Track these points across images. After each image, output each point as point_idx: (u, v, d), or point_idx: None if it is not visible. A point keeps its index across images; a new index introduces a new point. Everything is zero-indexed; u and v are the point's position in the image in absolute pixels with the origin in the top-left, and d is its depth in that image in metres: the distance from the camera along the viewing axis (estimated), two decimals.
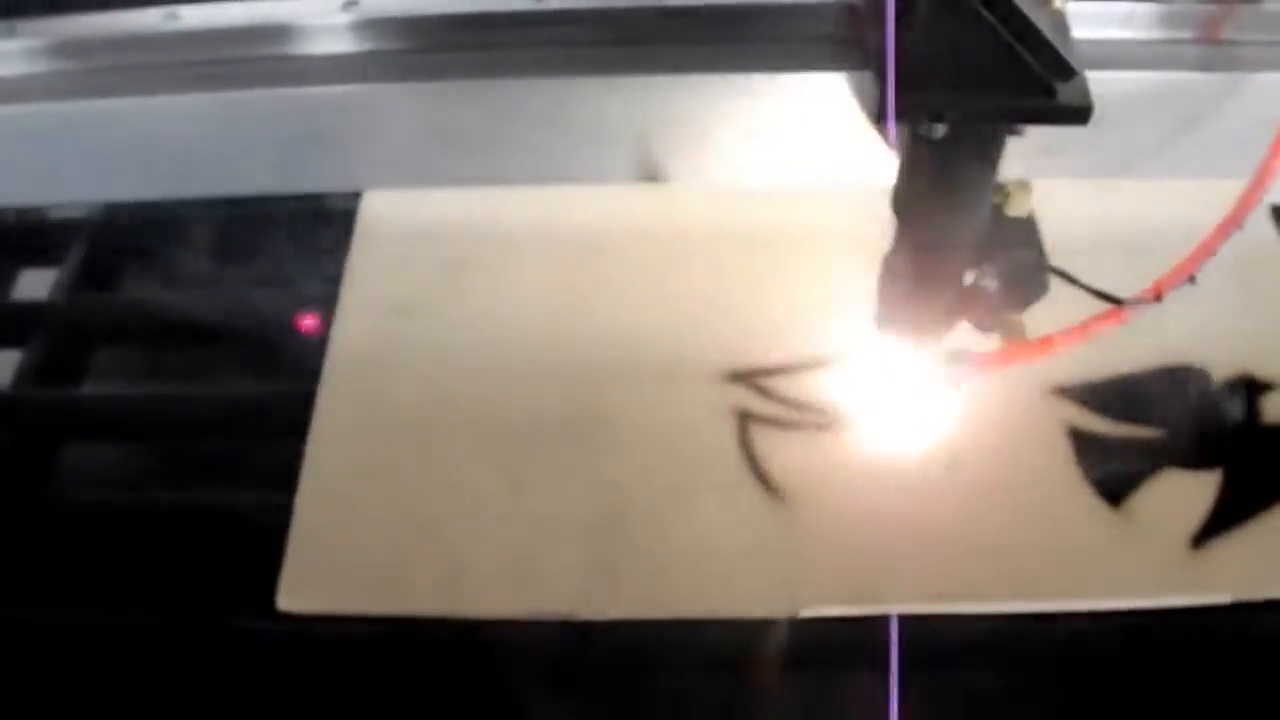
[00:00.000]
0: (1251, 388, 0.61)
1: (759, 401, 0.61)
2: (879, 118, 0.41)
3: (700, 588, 0.55)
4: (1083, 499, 0.58)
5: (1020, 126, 0.41)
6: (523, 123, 0.51)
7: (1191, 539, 0.57)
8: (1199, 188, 0.55)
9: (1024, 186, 0.46)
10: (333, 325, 0.63)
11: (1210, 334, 0.62)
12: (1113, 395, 0.61)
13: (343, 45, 0.50)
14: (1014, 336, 0.49)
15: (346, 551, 0.56)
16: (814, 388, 0.61)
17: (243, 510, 0.57)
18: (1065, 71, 0.39)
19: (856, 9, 0.45)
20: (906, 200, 0.46)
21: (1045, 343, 0.49)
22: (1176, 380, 0.62)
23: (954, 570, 0.56)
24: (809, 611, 0.55)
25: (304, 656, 0.53)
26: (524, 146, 0.52)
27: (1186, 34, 0.52)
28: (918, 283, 0.49)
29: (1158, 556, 0.56)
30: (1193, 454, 0.59)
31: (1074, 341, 0.49)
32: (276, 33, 0.51)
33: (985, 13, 0.37)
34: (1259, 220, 0.66)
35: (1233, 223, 0.46)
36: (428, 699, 0.53)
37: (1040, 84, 0.39)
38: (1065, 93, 0.40)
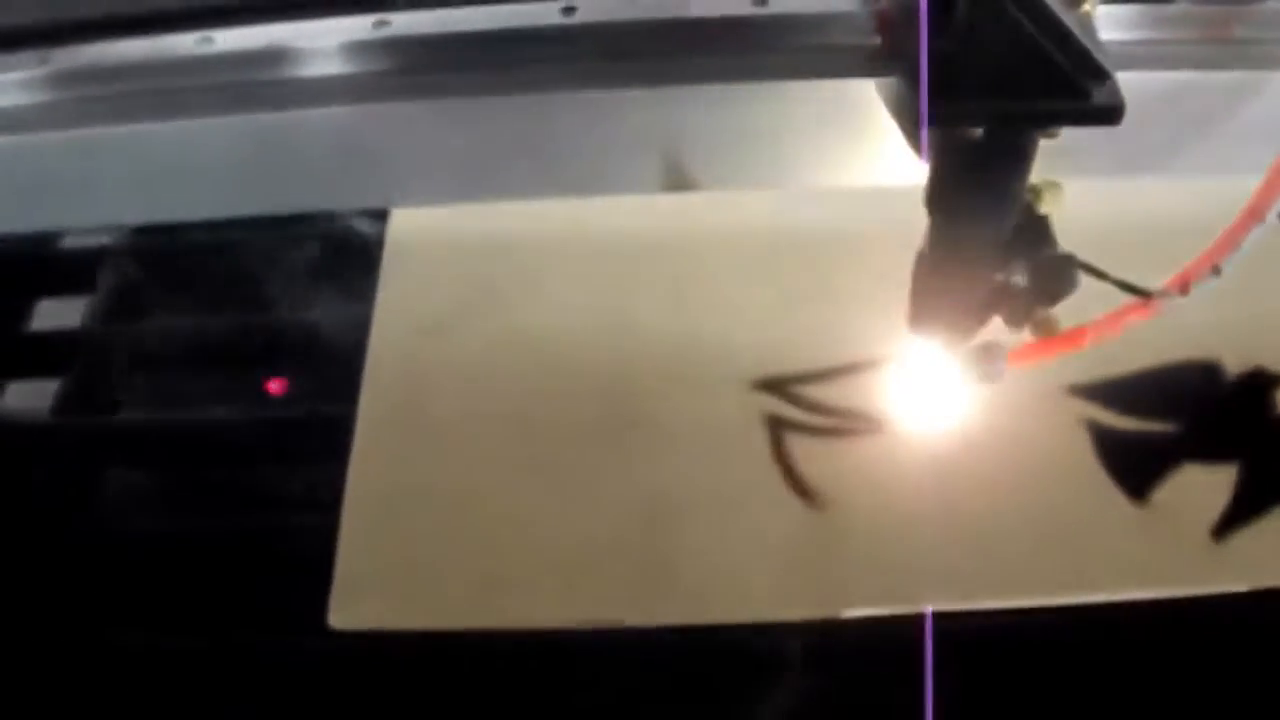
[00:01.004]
0: (1262, 381, 0.63)
1: (790, 408, 0.62)
2: (915, 125, 0.43)
3: (743, 592, 0.56)
4: (1107, 493, 0.60)
5: (1054, 128, 0.43)
6: (553, 138, 0.52)
7: (1213, 530, 0.58)
8: (1206, 185, 0.57)
9: (1054, 185, 0.47)
10: (368, 344, 0.64)
11: (1218, 328, 0.63)
12: (1129, 391, 0.63)
13: (375, 64, 0.52)
14: (1046, 331, 0.50)
15: (395, 568, 0.57)
16: (843, 393, 0.62)
17: (285, 532, 0.58)
18: (1099, 74, 0.41)
19: (886, 15, 0.47)
20: (940, 201, 0.47)
21: (1077, 336, 0.51)
22: (1189, 375, 0.63)
23: (986, 567, 0.57)
24: (851, 613, 0.56)
25: (357, 673, 0.54)
26: (556, 161, 0.53)
27: (1195, 34, 0.54)
28: (951, 281, 0.50)
29: (1181, 548, 0.58)
30: (1210, 447, 0.61)
31: (1105, 333, 0.50)
32: (309, 54, 0.52)
33: (1022, 18, 0.39)
34: None
35: (1254, 215, 0.47)
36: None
37: (1074, 86, 0.41)
38: (1098, 94, 0.41)
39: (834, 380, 0.63)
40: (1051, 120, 0.42)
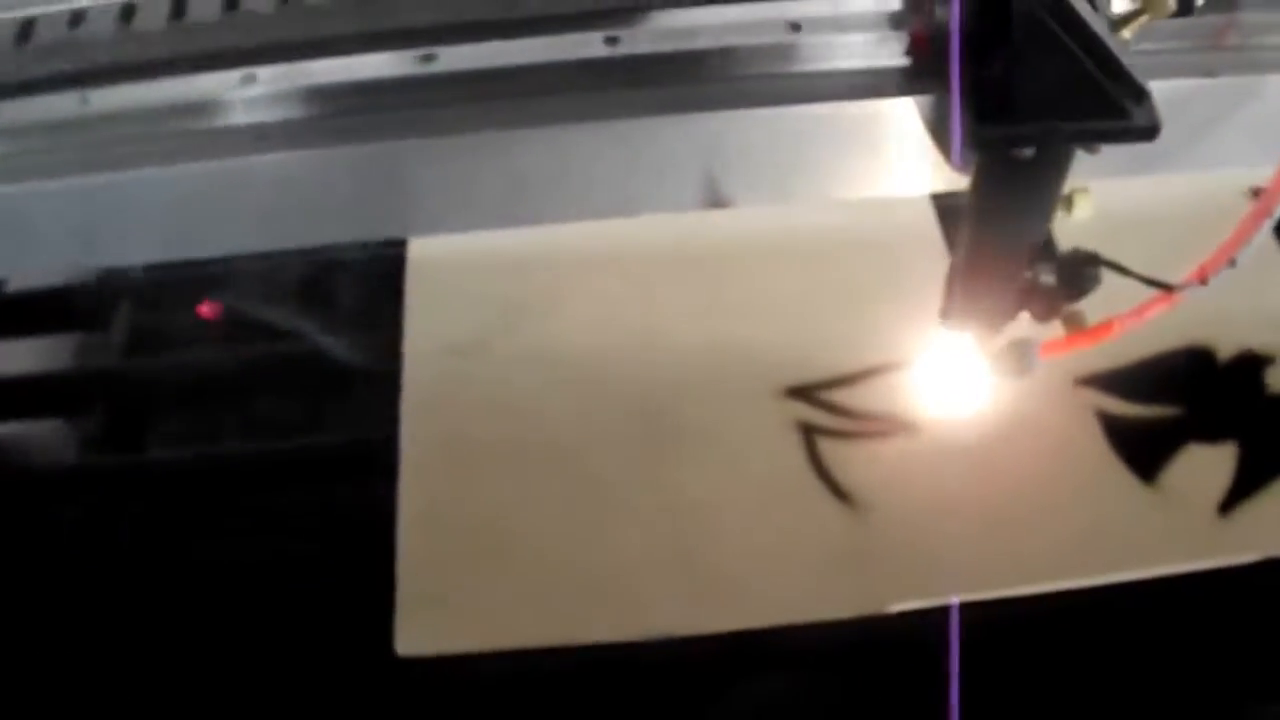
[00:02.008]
0: (1253, 362, 0.67)
1: (820, 414, 0.64)
2: (962, 147, 0.45)
3: (790, 595, 0.58)
4: (1120, 477, 0.63)
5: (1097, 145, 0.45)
6: (592, 164, 0.53)
7: (1220, 505, 0.62)
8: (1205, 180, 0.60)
9: (1084, 192, 0.50)
10: (402, 371, 0.65)
11: (1210, 315, 0.67)
12: (1132, 379, 0.66)
13: (419, 98, 0.53)
14: (1074, 324, 0.53)
15: (453, 592, 0.58)
16: (869, 396, 0.65)
17: (336, 560, 0.58)
18: (1140, 95, 0.43)
19: (920, 37, 0.49)
20: (980, 209, 0.50)
21: (1104, 328, 0.54)
22: (1186, 360, 0.67)
23: (1016, 556, 0.60)
24: (894, 608, 0.58)
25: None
26: (594, 187, 0.54)
27: (1194, 43, 0.57)
28: (985, 281, 0.52)
29: (1192, 524, 0.61)
30: (1210, 427, 0.65)
31: (1130, 324, 0.53)
32: (352, 89, 0.52)
33: (1074, 47, 0.41)
34: (1240, 200, 0.72)
35: (1266, 210, 0.50)
36: None
37: (1118, 108, 0.43)
38: (1139, 114, 0.44)
39: (860, 384, 0.65)
40: (1095, 138, 0.45)
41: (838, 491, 0.62)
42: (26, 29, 0.58)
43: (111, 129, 0.53)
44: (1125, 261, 0.53)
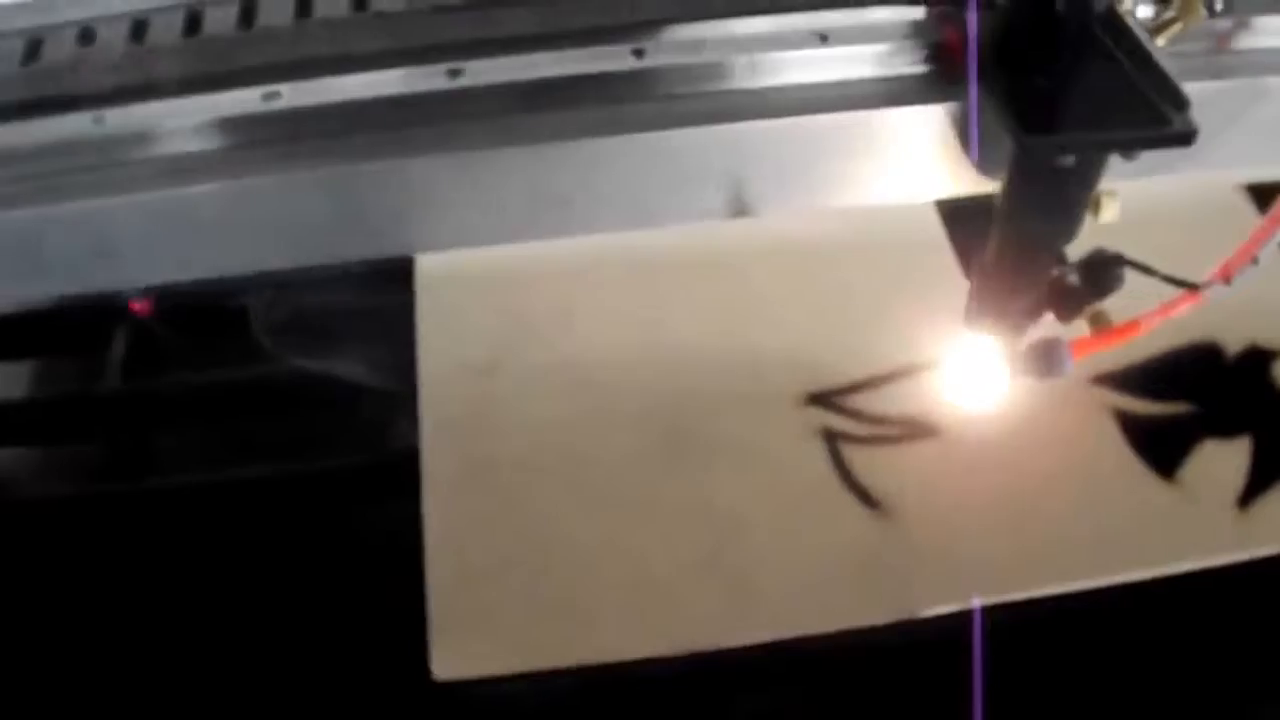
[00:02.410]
0: (1260, 356, 0.68)
1: (841, 420, 0.64)
2: (1013, 156, 0.46)
3: (824, 603, 0.58)
4: (1140, 474, 0.63)
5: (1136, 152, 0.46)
6: (620, 177, 0.53)
7: (1238, 499, 0.63)
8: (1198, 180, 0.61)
9: (1111, 194, 0.50)
10: (419, 392, 0.64)
11: (1213, 310, 0.68)
12: (1146, 376, 0.66)
13: (445, 113, 0.52)
14: (1101, 324, 0.54)
15: (486, 613, 0.57)
16: (889, 400, 0.65)
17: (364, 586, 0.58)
18: (1180, 102, 0.44)
19: (953, 45, 0.49)
20: (1013, 213, 0.50)
21: (1131, 326, 0.54)
22: (1196, 356, 0.68)
23: (1041, 555, 0.60)
24: (928, 612, 0.58)
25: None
26: (619, 199, 0.54)
27: (1202, 46, 0.58)
28: (1013, 283, 0.53)
29: (1214, 519, 0.62)
30: (1224, 422, 0.66)
31: (1156, 322, 0.54)
32: (383, 105, 0.52)
33: (1123, 59, 0.42)
34: (1233, 196, 0.73)
35: None
36: None
37: (1159, 114, 0.44)
38: (1178, 121, 0.44)
39: (880, 389, 0.65)
40: (1136, 145, 0.45)
41: (865, 497, 0.62)
42: (34, 47, 0.57)
43: (128, 150, 0.52)
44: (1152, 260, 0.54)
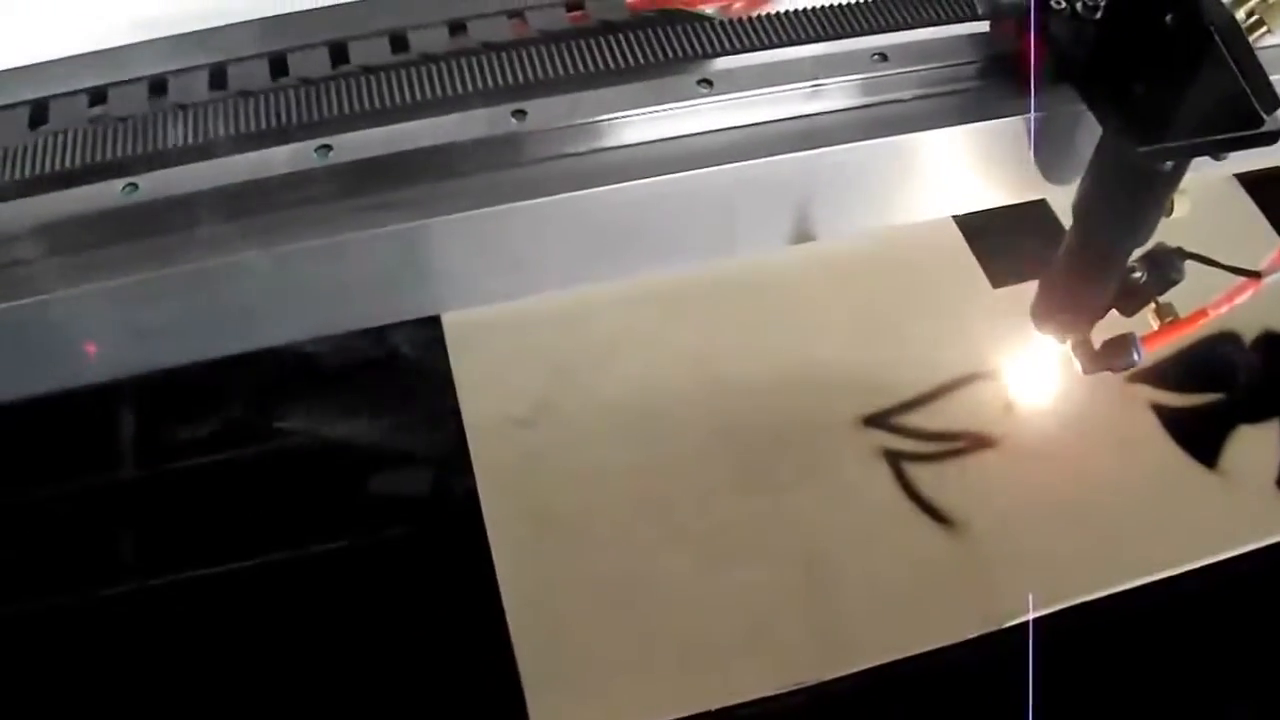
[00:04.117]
0: (1277, 341, 0.71)
1: (898, 439, 0.64)
2: (1104, 163, 0.46)
3: (914, 624, 0.58)
4: (1186, 466, 0.65)
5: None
6: (691, 213, 0.51)
7: (1277, 480, 0.65)
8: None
9: (1182, 192, 0.51)
10: (469, 447, 0.61)
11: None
12: (1178, 369, 0.68)
13: (507, 159, 0.50)
14: (1167, 316, 0.55)
15: (579, 668, 0.55)
16: (942, 416, 0.65)
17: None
18: (1274, 104, 0.44)
19: (1027, 55, 0.49)
20: (1095, 215, 0.50)
21: (1199, 315, 0.55)
22: (1220, 347, 0.70)
23: (1106, 556, 0.61)
24: (1012, 622, 0.58)
25: None
26: (690, 235, 0.52)
27: None
28: (1091, 283, 0.53)
29: (1257, 502, 0.64)
30: (1252, 408, 0.68)
31: (1221, 310, 0.55)
32: (441, 153, 0.49)
33: (1233, 65, 0.42)
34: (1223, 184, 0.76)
35: None
36: None
37: (1256, 117, 0.45)
38: (1270, 121, 0.45)
39: (930, 404, 0.65)
40: (1231, 147, 0.46)
41: (935, 514, 0.62)
42: (39, 113, 0.53)
43: (165, 218, 0.48)
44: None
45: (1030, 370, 0.66)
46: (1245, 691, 0.60)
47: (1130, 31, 0.44)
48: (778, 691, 0.55)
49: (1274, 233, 0.75)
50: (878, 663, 0.57)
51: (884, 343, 0.68)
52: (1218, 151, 0.46)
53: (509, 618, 0.56)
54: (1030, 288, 0.70)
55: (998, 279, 0.71)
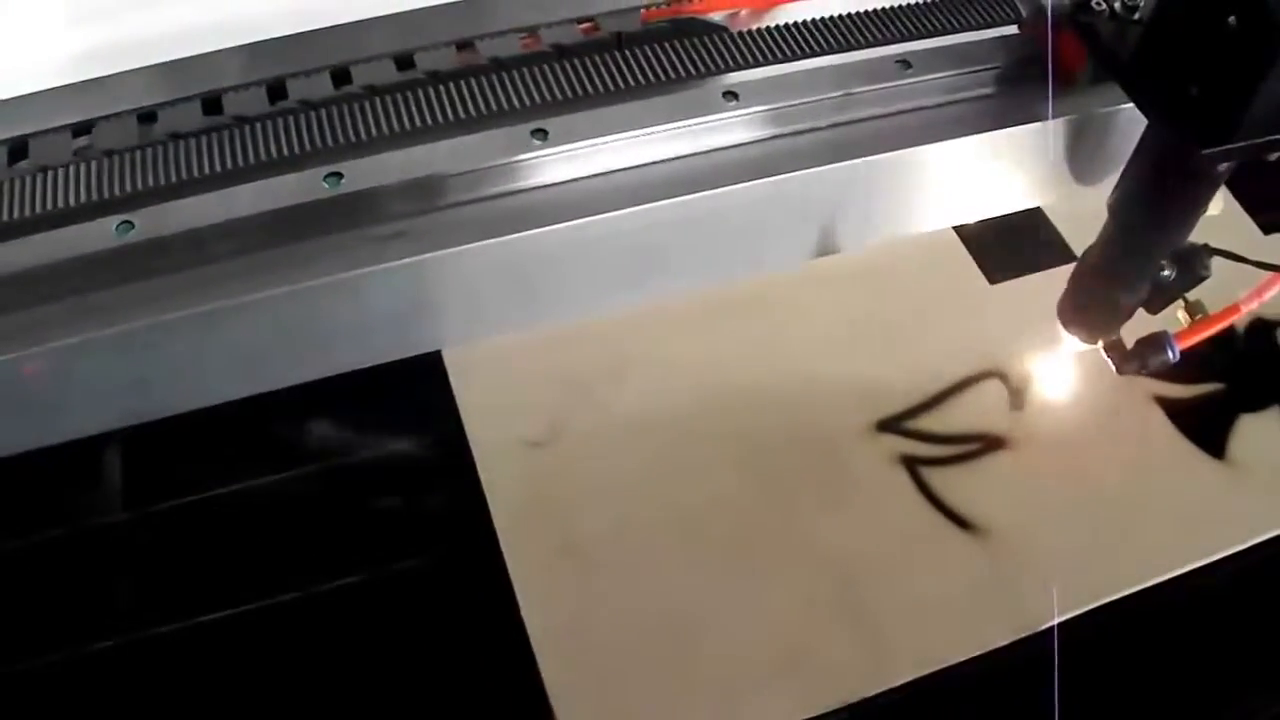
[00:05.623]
0: (1265, 327, 0.71)
1: (913, 444, 0.63)
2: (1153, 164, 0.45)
3: (951, 632, 0.57)
4: (1196, 459, 0.65)
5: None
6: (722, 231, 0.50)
7: None
8: None
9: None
10: (479, 474, 0.59)
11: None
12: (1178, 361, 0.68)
13: (540, 179, 0.48)
14: (1197, 312, 0.55)
15: (617, 704, 0.53)
16: (954, 418, 0.64)
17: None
18: None
19: (1066, 59, 0.49)
20: (1138, 214, 0.50)
21: (1231, 311, 0.55)
22: (1217, 336, 0.70)
23: (1129, 556, 0.60)
24: (1046, 624, 0.58)
25: None
26: (717, 252, 0.51)
27: None
28: (1128, 282, 0.53)
29: (1267, 491, 0.64)
30: (1252, 396, 0.68)
31: (1252, 304, 0.55)
32: (480, 177, 0.47)
33: None
34: None
35: None
36: None
37: None
38: None
39: (941, 407, 0.65)
40: None
41: (956, 519, 0.61)
42: (18, 150, 0.49)
43: (164, 257, 0.45)
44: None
45: (1036, 366, 0.66)
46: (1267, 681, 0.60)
47: (1184, 33, 0.43)
48: (821, 713, 0.54)
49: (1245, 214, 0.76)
50: (918, 675, 0.56)
51: (888, 347, 0.67)
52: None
53: (537, 654, 0.54)
54: (1027, 281, 0.71)
55: (994, 274, 0.71)
